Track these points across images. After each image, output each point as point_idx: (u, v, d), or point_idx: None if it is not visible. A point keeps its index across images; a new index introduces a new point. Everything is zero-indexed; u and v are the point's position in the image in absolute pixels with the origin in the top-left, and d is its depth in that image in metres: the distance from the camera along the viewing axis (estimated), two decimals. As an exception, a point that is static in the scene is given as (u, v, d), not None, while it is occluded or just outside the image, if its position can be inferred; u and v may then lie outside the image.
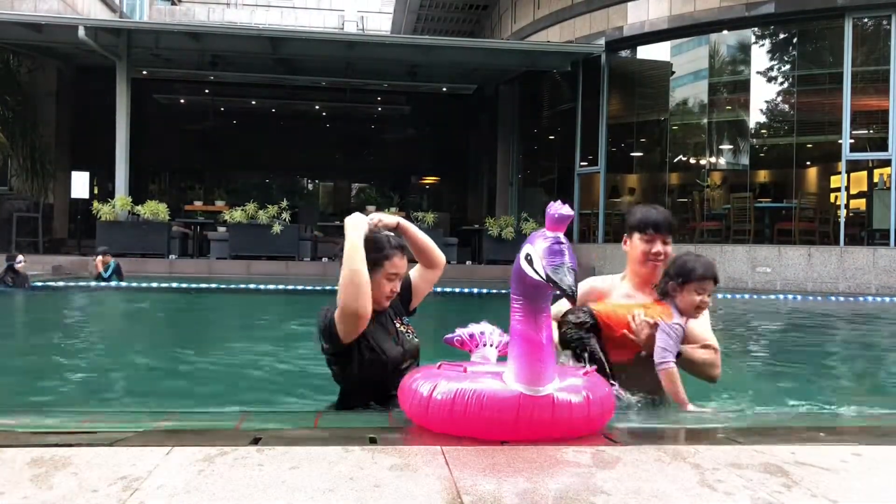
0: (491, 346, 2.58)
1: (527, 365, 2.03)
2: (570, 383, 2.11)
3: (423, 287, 2.90)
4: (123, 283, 11.03)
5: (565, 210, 2.00)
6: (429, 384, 2.13)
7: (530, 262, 1.96)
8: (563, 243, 1.97)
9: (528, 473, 1.73)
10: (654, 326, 2.77)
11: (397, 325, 2.76)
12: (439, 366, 2.26)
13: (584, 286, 3.09)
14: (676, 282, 2.82)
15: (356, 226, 2.52)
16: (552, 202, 2.02)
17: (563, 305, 2.88)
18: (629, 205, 16.31)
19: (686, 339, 2.84)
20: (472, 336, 2.56)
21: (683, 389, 2.77)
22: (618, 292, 3.07)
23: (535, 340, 2.03)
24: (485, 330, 2.60)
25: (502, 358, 2.46)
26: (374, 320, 2.65)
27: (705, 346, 2.89)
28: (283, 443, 1.95)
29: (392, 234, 2.71)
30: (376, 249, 2.61)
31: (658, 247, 2.98)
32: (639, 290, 3.04)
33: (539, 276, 1.94)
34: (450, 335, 2.60)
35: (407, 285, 2.85)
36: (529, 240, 2.03)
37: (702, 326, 2.93)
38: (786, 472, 1.79)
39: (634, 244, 3.04)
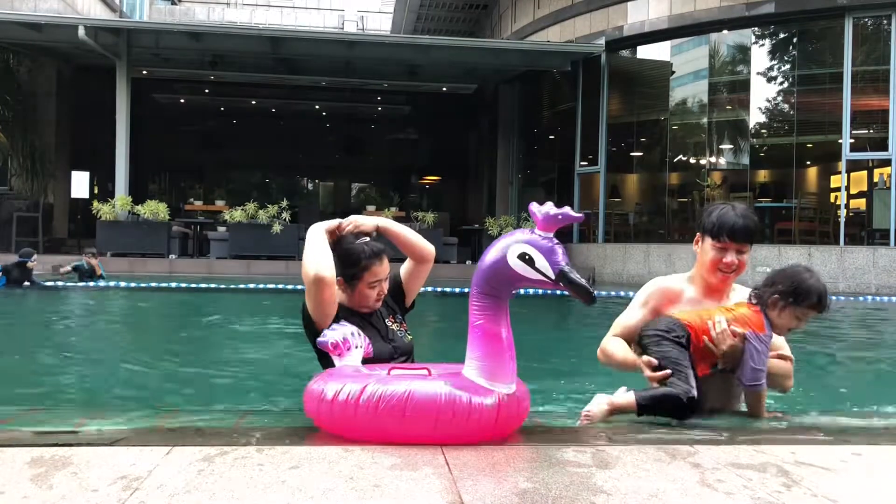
0: (357, 348, 2.42)
1: (498, 362, 2.04)
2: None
3: (414, 282, 2.88)
4: (102, 283, 10.86)
5: (566, 211, 2.04)
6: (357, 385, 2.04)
7: (529, 261, 1.97)
8: (560, 244, 2.02)
9: (528, 473, 1.73)
10: (740, 338, 2.47)
11: (388, 322, 2.75)
12: (389, 371, 2.19)
13: (652, 288, 2.78)
14: (785, 300, 2.48)
15: (314, 228, 2.56)
16: (535, 203, 2.07)
17: (629, 318, 2.72)
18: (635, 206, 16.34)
19: None
20: (345, 339, 2.40)
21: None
22: (685, 297, 2.73)
23: (503, 336, 2.06)
24: (346, 333, 2.42)
25: (367, 360, 2.41)
26: (363, 319, 2.66)
27: (781, 357, 2.64)
28: (283, 442, 1.95)
29: (368, 239, 2.71)
30: (352, 264, 2.62)
31: (731, 257, 2.60)
32: (707, 297, 2.71)
33: (545, 276, 1.96)
34: (323, 339, 2.40)
35: (398, 283, 2.85)
36: (516, 240, 2.03)
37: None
38: (786, 472, 1.79)
39: (706, 249, 2.66)
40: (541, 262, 1.97)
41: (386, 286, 2.71)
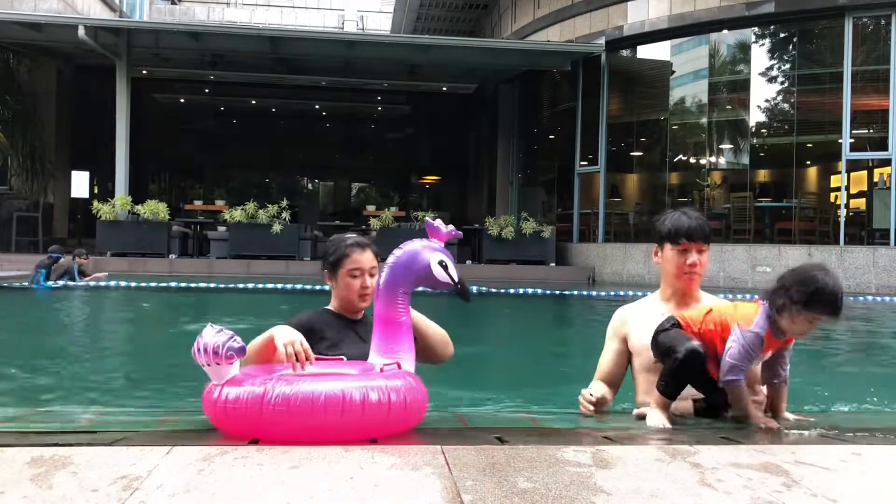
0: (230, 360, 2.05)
1: (393, 339, 2.31)
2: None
3: (420, 343, 2.60)
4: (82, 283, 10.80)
5: (449, 228, 2.43)
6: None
7: (445, 267, 2.33)
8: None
9: (528, 473, 1.73)
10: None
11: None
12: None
13: (614, 319, 2.85)
14: (798, 304, 2.28)
15: (280, 336, 2.31)
16: (437, 220, 2.44)
17: (602, 358, 2.81)
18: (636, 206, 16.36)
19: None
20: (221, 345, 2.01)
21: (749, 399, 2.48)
22: (658, 313, 2.71)
23: (400, 321, 2.33)
24: (218, 341, 2.02)
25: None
26: (349, 328, 2.67)
27: (756, 399, 2.55)
28: (283, 442, 1.95)
29: (354, 234, 2.82)
30: (333, 251, 2.71)
31: (693, 257, 2.67)
32: (680, 306, 2.72)
33: (452, 280, 2.34)
34: (197, 343, 2.04)
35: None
36: (433, 248, 2.35)
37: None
38: (786, 472, 1.79)
39: (667, 257, 2.72)
40: (451, 268, 2.35)
41: (370, 282, 2.66)
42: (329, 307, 2.78)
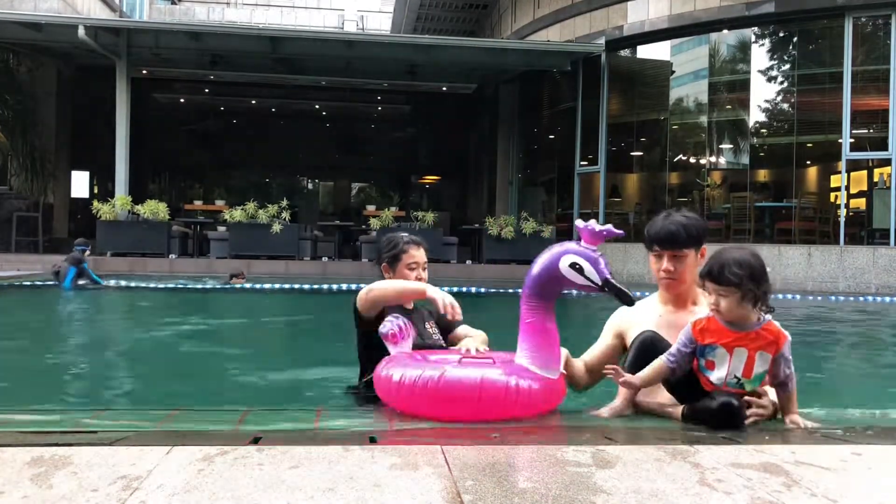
0: (408, 337, 2.72)
1: (546, 354, 2.44)
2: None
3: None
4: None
5: (609, 227, 2.40)
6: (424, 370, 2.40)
7: (579, 270, 2.35)
8: (604, 255, 2.40)
9: (528, 473, 1.73)
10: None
11: (427, 326, 3.09)
12: (460, 359, 2.53)
13: (616, 317, 2.88)
14: (700, 275, 2.44)
15: (434, 289, 2.79)
16: (586, 221, 2.42)
17: (595, 346, 2.86)
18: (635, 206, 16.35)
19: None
20: (400, 329, 2.67)
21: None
22: (656, 313, 2.74)
23: (550, 331, 2.47)
24: (401, 324, 2.70)
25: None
26: (405, 314, 2.90)
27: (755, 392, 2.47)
28: (283, 442, 1.95)
29: (406, 233, 3.18)
30: (392, 247, 3.09)
31: (665, 263, 2.64)
32: (677, 309, 2.72)
33: (591, 282, 2.35)
34: (383, 329, 2.67)
35: (449, 329, 3.12)
36: (567, 251, 2.38)
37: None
38: (786, 472, 1.79)
39: (650, 260, 2.77)
40: (588, 270, 2.35)
41: (425, 276, 3.06)
42: None
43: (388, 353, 2.67)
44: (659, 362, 2.46)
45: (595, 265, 2.35)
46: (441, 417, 2.35)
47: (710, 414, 2.35)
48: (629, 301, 2.37)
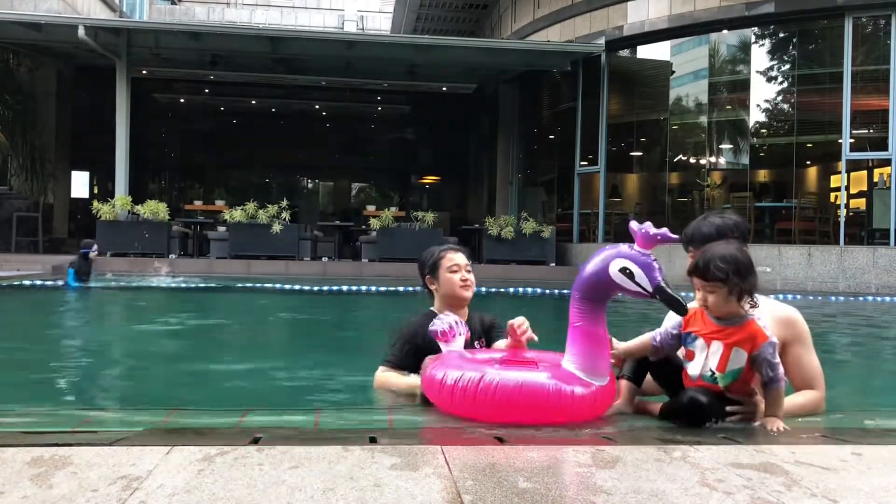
0: (460, 335, 2.74)
1: (594, 359, 2.37)
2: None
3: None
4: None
5: (664, 232, 2.30)
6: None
7: (629, 275, 2.26)
8: (657, 261, 2.31)
9: (527, 473, 1.73)
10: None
11: (476, 343, 3.06)
12: (503, 360, 2.52)
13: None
14: (689, 274, 2.47)
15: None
16: (641, 223, 2.31)
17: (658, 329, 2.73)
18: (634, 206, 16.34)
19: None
20: (451, 328, 2.70)
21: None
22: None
23: (599, 336, 2.39)
24: (452, 322, 2.73)
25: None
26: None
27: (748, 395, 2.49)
28: (283, 442, 1.95)
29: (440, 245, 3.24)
30: (430, 257, 3.15)
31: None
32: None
33: (642, 289, 2.26)
34: (433, 328, 2.71)
35: (493, 334, 3.14)
36: (618, 254, 2.30)
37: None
38: (786, 472, 1.79)
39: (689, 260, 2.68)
40: (640, 275, 2.25)
41: (470, 276, 3.08)
42: (432, 308, 3.14)
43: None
44: (645, 337, 2.54)
45: (648, 271, 2.25)
46: (480, 419, 2.33)
47: (680, 409, 2.39)
48: (682, 310, 2.29)
